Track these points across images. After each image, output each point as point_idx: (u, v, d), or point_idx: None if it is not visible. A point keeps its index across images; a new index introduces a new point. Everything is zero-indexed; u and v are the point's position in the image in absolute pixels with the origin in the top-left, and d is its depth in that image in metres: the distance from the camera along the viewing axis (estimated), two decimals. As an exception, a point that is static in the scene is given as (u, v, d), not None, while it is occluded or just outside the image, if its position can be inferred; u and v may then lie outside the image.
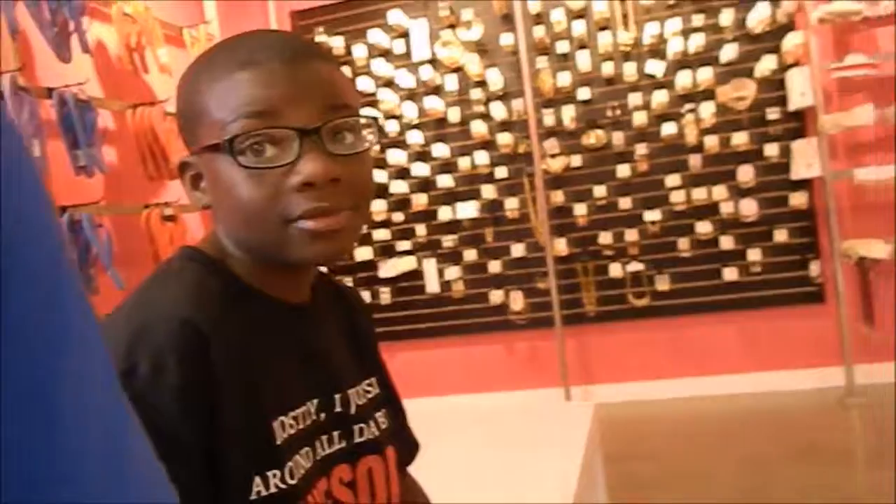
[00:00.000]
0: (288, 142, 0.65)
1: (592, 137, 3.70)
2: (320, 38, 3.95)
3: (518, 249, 3.82)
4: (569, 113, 3.72)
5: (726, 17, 3.53)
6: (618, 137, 3.69)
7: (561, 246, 3.77)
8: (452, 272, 3.88)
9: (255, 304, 0.71)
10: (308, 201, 0.65)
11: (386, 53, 3.90)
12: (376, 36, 3.87)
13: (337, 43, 3.95)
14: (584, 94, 3.71)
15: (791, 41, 3.42)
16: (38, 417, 0.24)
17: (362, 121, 0.71)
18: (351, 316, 0.87)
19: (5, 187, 0.24)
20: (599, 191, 3.72)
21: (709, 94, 3.59)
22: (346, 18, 3.96)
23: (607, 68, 3.67)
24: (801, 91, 3.42)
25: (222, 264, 0.72)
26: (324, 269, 0.86)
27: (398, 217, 3.92)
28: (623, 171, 3.69)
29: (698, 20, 3.58)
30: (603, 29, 3.68)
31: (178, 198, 3.05)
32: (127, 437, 0.27)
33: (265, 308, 0.72)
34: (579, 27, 3.68)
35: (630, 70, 3.64)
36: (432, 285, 3.92)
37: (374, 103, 3.90)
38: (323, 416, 0.73)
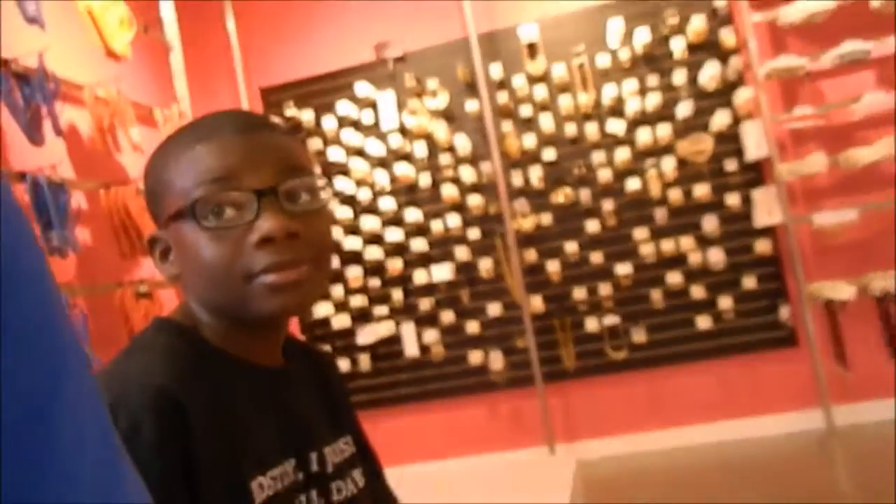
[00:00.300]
0: (247, 203, 0.70)
1: (560, 196, 3.80)
2: (291, 112, 4.05)
3: (494, 309, 3.86)
4: (536, 173, 3.82)
5: (679, 77, 3.70)
6: (585, 194, 3.79)
7: (536, 303, 3.81)
8: (430, 335, 3.89)
9: (226, 367, 0.74)
10: (268, 256, 0.70)
11: (355, 124, 4.01)
12: (345, 107, 3.97)
13: (307, 116, 4.04)
14: (549, 154, 3.82)
15: (742, 96, 3.58)
16: (37, 442, 0.27)
17: (317, 181, 0.76)
18: (323, 377, 0.89)
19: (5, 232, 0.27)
20: (570, 247, 3.80)
21: (668, 149, 3.72)
22: (315, 92, 4.07)
23: (570, 129, 3.80)
24: (755, 142, 3.56)
25: (194, 331, 0.75)
26: (301, 336, 0.89)
27: (374, 283, 3.95)
28: (592, 226, 3.78)
29: (653, 80, 3.74)
30: (563, 92, 3.82)
31: (152, 275, 3.06)
32: (118, 463, 0.30)
33: (237, 371, 0.74)
34: (541, 91, 3.82)
35: (592, 129, 3.77)
36: (411, 349, 3.92)
37: (345, 172, 3.97)
38: (301, 475, 0.74)
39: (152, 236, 0.78)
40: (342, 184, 3.96)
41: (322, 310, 3.94)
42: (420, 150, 3.93)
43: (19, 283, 0.28)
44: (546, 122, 3.81)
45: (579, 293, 3.79)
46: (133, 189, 2.88)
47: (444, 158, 3.91)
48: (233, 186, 0.71)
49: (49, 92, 2.62)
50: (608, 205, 3.76)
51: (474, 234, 3.87)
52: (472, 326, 3.87)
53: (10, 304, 0.27)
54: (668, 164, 3.69)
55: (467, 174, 3.86)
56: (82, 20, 2.71)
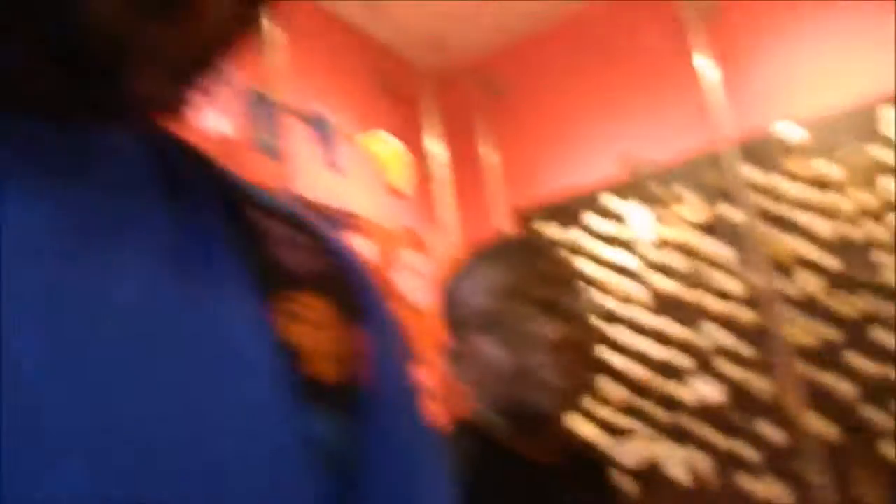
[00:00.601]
0: (531, 314, 0.82)
1: (844, 304, 3.41)
2: (542, 227, 4.17)
3: (774, 434, 3.48)
4: (813, 281, 3.49)
5: None
6: (875, 303, 3.36)
7: (824, 428, 3.37)
8: (699, 460, 3.60)
9: (511, 463, 0.84)
10: (552, 360, 0.78)
11: (606, 237, 4.01)
12: (593, 220, 4.01)
13: (556, 230, 4.14)
14: (827, 260, 3.48)
15: None
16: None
17: (583, 292, 0.88)
18: (597, 479, 0.98)
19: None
20: (862, 363, 3.35)
21: (983, 249, 3.20)
22: (564, 207, 4.17)
23: (850, 231, 3.45)
24: None
25: (484, 431, 0.86)
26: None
27: (635, 400, 3.79)
28: (889, 339, 3.32)
29: (954, 171, 3.30)
30: (837, 192, 3.51)
31: (434, 381, 3.22)
32: None
33: (520, 466, 0.84)
34: (810, 193, 3.55)
35: (877, 231, 3.39)
36: (678, 475, 3.65)
37: (598, 286, 3.95)
38: None
39: (447, 346, 0.91)
40: (596, 298, 3.93)
41: (580, 427, 3.85)
42: (677, 260, 3.80)
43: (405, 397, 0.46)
44: (820, 225, 3.50)
45: (879, 417, 3.29)
46: (406, 305, 3.13)
47: (705, 268, 3.73)
48: (519, 300, 0.83)
49: (340, 225, 2.97)
50: (908, 314, 3.29)
51: (745, 349, 3.58)
52: (748, 453, 3.51)
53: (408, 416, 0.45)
54: (984, 266, 3.17)
55: (732, 284, 3.64)
56: (369, 161, 3.09)
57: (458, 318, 0.88)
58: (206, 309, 0.36)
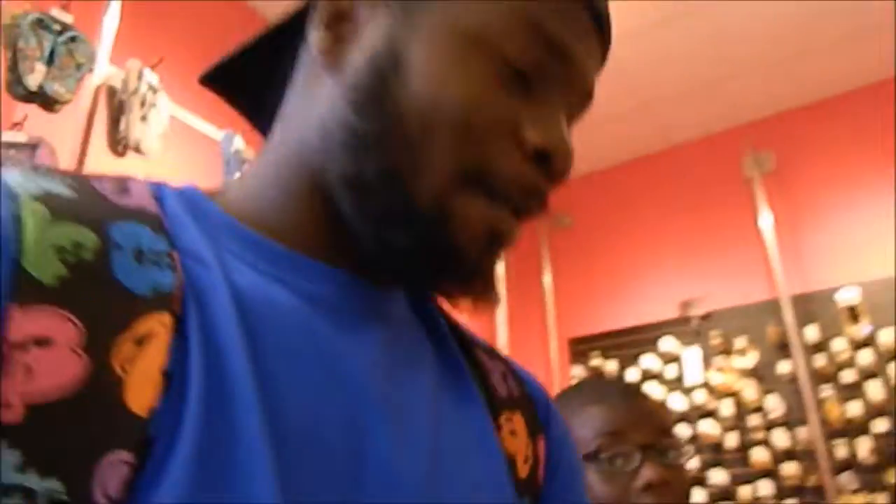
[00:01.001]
0: (632, 454, 0.92)
1: (893, 472, 3.33)
2: (595, 362, 4.27)
3: None
4: (865, 445, 3.44)
5: None
6: (929, 476, 3.28)
7: None
8: None
9: None
10: (649, 498, 0.88)
11: (659, 377, 4.07)
12: (649, 361, 4.08)
13: (611, 366, 4.22)
14: (880, 425, 3.44)
15: None
16: None
17: (682, 442, 0.97)
18: None
19: None
20: (914, 538, 3.23)
21: None
22: (620, 344, 4.27)
23: (905, 399, 3.42)
24: None
25: None
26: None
27: (672, 547, 3.70)
28: (942, 516, 3.21)
29: None
30: (893, 359, 3.51)
31: None
32: None
33: None
34: (866, 356, 3.56)
35: (934, 402, 3.35)
36: None
37: (646, 425, 3.97)
38: None
39: None
40: (642, 436, 3.94)
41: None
42: (726, 408, 3.81)
43: None
44: (874, 389, 3.49)
45: None
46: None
47: (753, 419, 3.73)
48: (622, 441, 0.92)
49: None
50: (963, 492, 3.19)
51: (789, 506, 3.51)
52: None
53: None
54: None
55: (780, 439, 3.61)
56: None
57: None
58: (466, 422, 0.51)
